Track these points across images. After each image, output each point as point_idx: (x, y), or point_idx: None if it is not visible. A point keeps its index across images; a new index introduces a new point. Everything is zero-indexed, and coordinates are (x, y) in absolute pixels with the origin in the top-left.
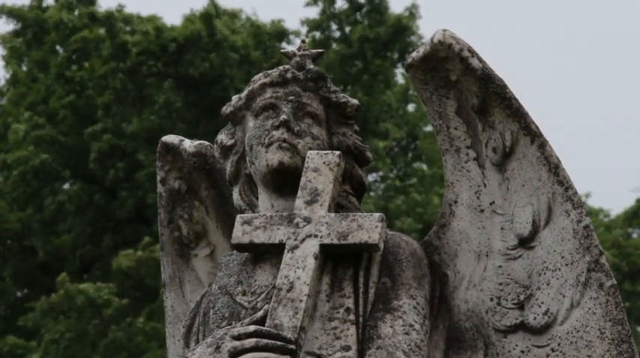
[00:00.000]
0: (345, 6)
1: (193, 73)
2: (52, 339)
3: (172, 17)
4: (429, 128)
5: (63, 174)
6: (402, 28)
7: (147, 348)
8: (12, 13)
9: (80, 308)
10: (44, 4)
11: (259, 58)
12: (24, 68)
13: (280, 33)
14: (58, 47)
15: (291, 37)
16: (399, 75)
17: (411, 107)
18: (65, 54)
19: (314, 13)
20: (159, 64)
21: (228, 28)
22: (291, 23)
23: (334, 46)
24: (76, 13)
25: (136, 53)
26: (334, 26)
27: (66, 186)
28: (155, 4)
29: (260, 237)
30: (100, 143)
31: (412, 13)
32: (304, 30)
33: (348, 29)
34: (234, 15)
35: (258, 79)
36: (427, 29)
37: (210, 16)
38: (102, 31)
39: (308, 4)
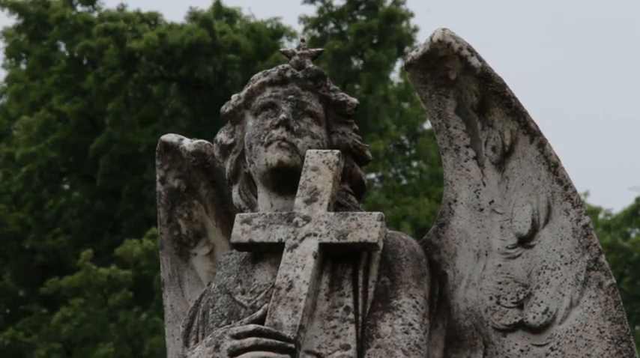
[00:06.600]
0: (342, 3)
1: (199, 76)
2: (64, 317)
3: (174, 15)
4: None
5: (67, 175)
6: (394, 15)
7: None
8: (14, 7)
9: (101, 287)
10: None
11: (257, 56)
12: (23, 66)
13: (277, 33)
14: (60, 44)
15: (288, 37)
16: (397, 72)
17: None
18: (68, 55)
19: (312, 11)
20: (160, 67)
21: (229, 28)
22: (288, 20)
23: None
24: (78, 10)
25: (145, 59)
26: (332, 24)
27: (66, 186)
28: (156, 1)
29: (259, 236)
30: (107, 156)
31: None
32: (301, 28)
33: (345, 27)
34: (232, 15)
35: (258, 77)
36: (427, 27)
37: (209, 21)
38: (102, 35)
39: (305, 2)
